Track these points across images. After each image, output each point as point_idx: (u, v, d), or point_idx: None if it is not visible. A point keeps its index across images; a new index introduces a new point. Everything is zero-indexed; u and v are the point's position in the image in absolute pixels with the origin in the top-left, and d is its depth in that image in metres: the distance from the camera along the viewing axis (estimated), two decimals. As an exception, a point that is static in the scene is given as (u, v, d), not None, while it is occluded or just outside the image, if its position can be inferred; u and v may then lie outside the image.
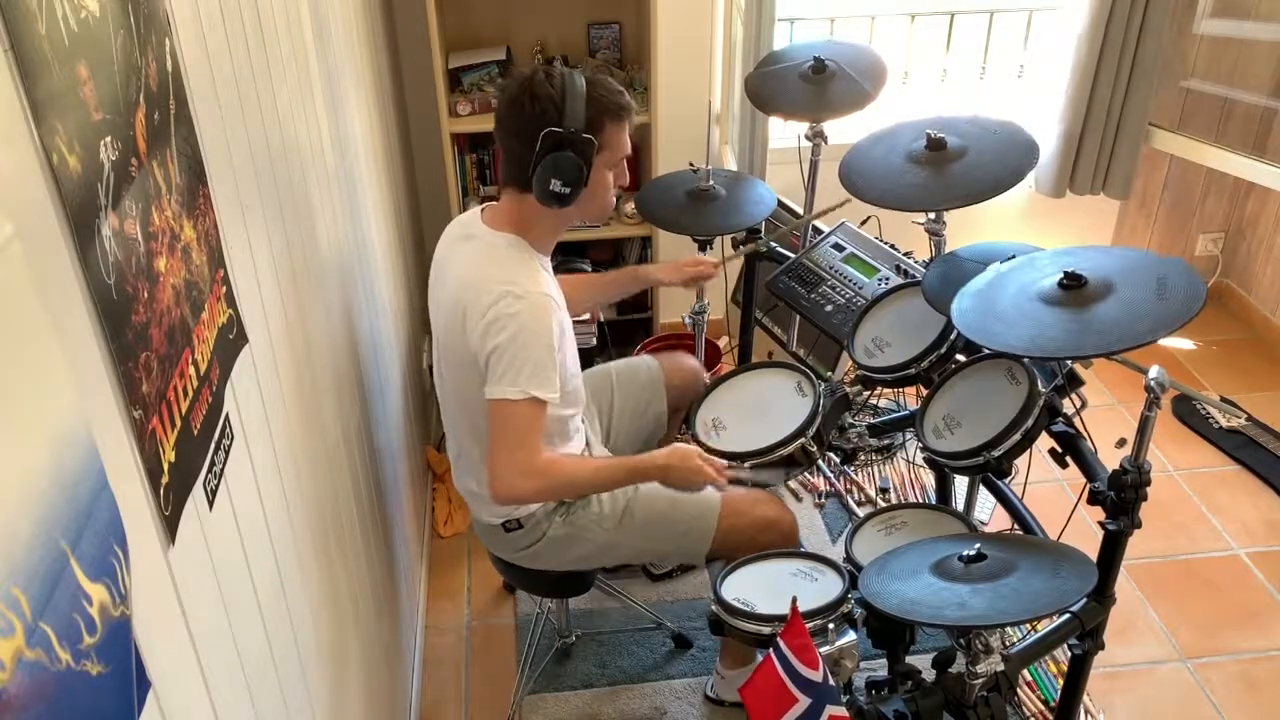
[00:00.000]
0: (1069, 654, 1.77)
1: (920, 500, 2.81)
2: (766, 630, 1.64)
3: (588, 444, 2.04)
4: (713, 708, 2.26)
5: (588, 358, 2.85)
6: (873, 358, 2.05)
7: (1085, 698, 2.11)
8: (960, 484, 2.52)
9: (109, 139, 0.76)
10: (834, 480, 2.94)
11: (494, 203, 1.89)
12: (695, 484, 1.82)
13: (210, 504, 0.94)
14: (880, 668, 2.19)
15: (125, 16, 0.82)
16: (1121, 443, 1.61)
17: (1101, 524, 1.63)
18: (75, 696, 0.61)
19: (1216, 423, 3.14)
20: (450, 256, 1.85)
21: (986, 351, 1.83)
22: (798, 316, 2.72)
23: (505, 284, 1.69)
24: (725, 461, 1.88)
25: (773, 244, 2.49)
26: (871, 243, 2.43)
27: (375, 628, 1.84)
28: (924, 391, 1.95)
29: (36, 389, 0.62)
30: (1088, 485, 1.66)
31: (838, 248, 2.44)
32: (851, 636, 1.63)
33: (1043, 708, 2.27)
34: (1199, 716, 2.27)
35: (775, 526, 1.96)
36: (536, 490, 1.78)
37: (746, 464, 1.94)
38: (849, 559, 1.86)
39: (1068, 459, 1.74)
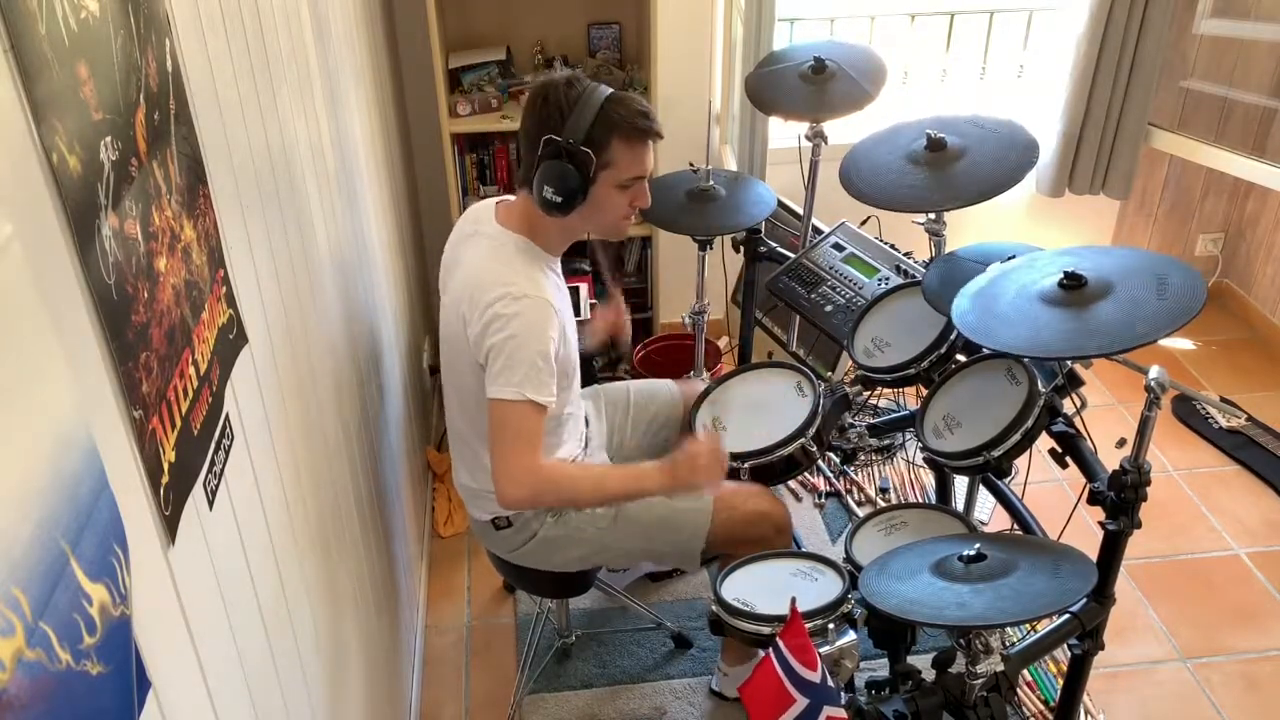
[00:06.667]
0: (1069, 654, 1.77)
1: (920, 500, 2.81)
2: (766, 630, 1.64)
3: (586, 446, 2.04)
4: (716, 703, 2.27)
5: (586, 358, 2.85)
6: (873, 358, 2.05)
7: (1085, 698, 2.11)
8: (960, 484, 2.52)
9: (109, 139, 0.76)
10: (834, 480, 2.94)
11: (510, 198, 1.89)
12: (697, 486, 1.80)
13: (210, 504, 0.94)
14: (880, 668, 2.19)
15: (125, 16, 0.82)
16: (1121, 443, 1.61)
17: (1101, 524, 1.63)
18: (75, 696, 0.61)
19: (1216, 423, 3.14)
20: (459, 250, 1.85)
21: (986, 351, 1.83)
22: (798, 316, 2.72)
23: (506, 285, 1.70)
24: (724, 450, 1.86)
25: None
26: (871, 243, 2.43)
27: (375, 627, 1.84)
28: (924, 391, 1.95)
29: (37, 389, 0.62)
30: (1088, 485, 1.66)
31: (838, 248, 2.44)
32: (851, 636, 1.63)
33: (1043, 708, 2.27)
34: (1199, 716, 2.27)
35: (768, 519, 1.96)
36: (535, 495, 1.76)
37: (746, 464, 1.94)
38: (849, 559, 1.85)
39: (1068, 459, 1.74)
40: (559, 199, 1.69)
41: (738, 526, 1.94)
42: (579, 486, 1.80)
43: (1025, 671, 2.28)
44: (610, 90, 1.72)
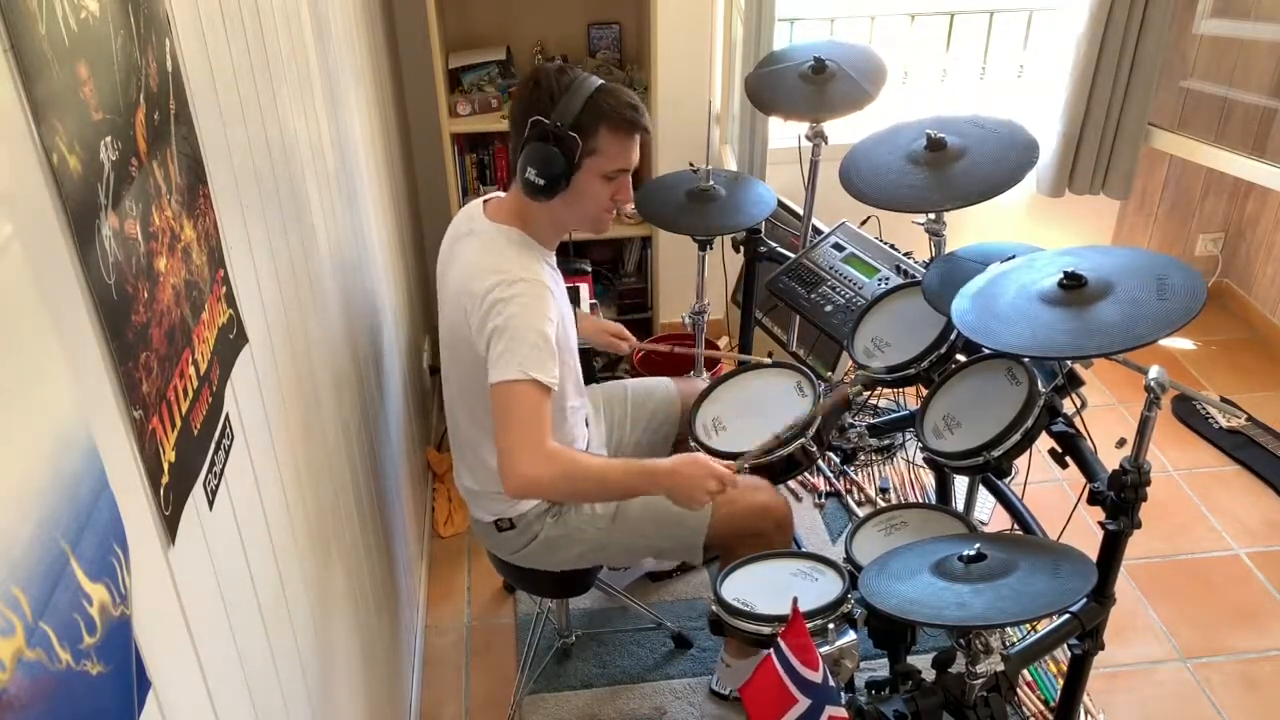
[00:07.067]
0: (1069, 654, 1.77)
1: (920, 500, 2.81)
2: (767, 630, 1.64)
3: (588, 448, 2.04)
4: (716, 703, 2.26)
5: (585, 357, 2.84)
6: (872, 358, 2.05)
7: (1085, 698, 2.11)
8: (960, 484, 2.52)
9: (109, 139, 0.76)
10: (834, 480, 2.94)
11: (498, 195, 1.90)
12: (696, 501, 1.73)
13: (210, 504, 0.94)
14: (880, 668, 2.19)
15: (125, 16, 0.82)
16: (1121, 443, 1.61)
17: (1101, 524, 1.63)
18: (75, 696, 0.61)
19: (1216, 423, 3.14)
20: (454, 250, 1.86)
21: (986, 351, 1.83)
22: (798, 316, 2.72)
23: (501, 272, 1.70)
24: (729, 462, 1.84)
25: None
26: (871, 243, 2.42)
27: (375, 627, 1.84)
28: (924, 391, 1.95)
29: (37, 389, 0.62)
30: (1088, 485, 1.66)
31: (838, 248, 2.44)
32: (852, 636, 1.63)
33: (1043, 708, 2.27)
34: (1199, 716, 2.27)
35: (769, 513, 1.95)
36: (551, 476, 1.67)
37: (746, 464, 1.94)
38: (849, 559, 1.85)
39: (1068, 459, 1.74)
40: (541, 181, 1.69)
41: (739, 520, 1.93)
42: (587, 474, 1.72)
43: (1025, 671, 2.28)
44: (602, 81, 1.73)
